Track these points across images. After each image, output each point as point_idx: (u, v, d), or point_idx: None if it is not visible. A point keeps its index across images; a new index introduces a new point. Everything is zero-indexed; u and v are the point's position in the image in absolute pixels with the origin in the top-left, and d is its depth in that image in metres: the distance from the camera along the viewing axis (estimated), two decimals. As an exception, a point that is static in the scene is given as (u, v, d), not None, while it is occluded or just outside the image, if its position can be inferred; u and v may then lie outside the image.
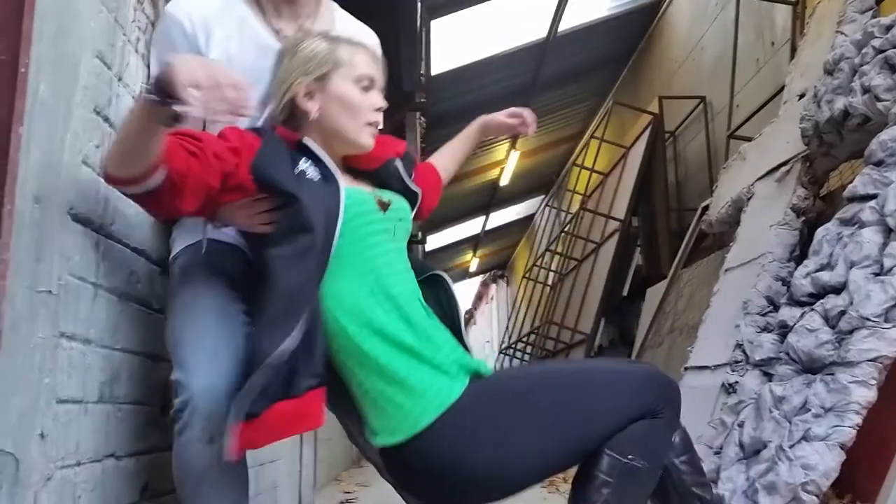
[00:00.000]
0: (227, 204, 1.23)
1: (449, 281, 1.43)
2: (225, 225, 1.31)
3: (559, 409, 1.22)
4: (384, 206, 1.33)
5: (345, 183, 1.28)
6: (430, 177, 1.59)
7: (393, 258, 1.31)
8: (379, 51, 1.61)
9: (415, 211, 1.45)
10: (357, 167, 1.39)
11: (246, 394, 1.13)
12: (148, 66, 1.46)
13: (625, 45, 8.11)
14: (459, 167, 1.74)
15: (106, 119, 1.25)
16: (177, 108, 0.98)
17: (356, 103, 1.31)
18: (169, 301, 1.37)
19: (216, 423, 1.17)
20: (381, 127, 1.36)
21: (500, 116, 1.67)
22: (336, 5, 1.60)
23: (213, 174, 1.17)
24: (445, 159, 1.69)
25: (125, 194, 1.15)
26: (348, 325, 1.22)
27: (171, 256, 1.42)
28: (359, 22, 1.64)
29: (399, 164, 1.42)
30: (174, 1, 1.43)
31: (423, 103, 5.52)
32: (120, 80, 1.31)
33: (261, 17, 1.45)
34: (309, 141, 1.29)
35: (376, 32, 1.65)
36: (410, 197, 1.43)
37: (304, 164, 1.26)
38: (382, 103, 1.35)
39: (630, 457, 1.20)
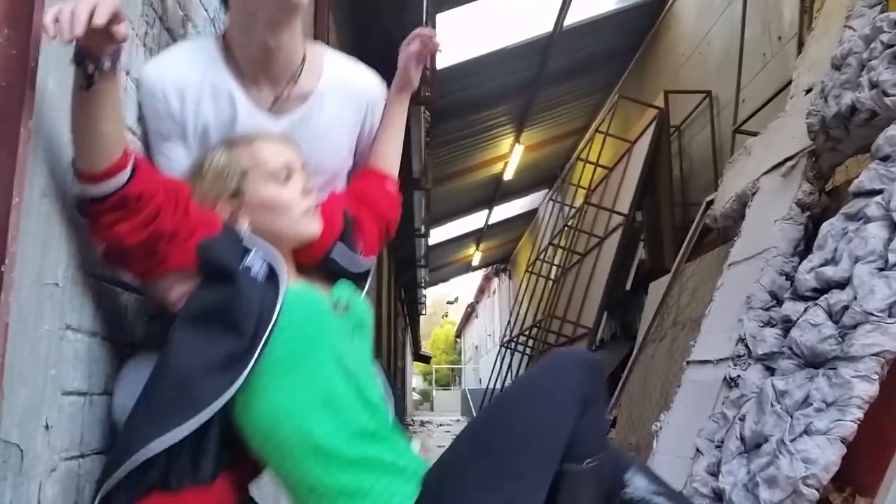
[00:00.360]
0: (168, 274, 1.17)
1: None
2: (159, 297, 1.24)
3: (520, 453, 1.10)
4: (342, 309, 1.25)
5: (295, 282, 1.21)
6: (376, 196, 1.49)
7: (349, 363, 1.19)
8: (377, 91, 1.54)
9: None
10: (304, 263, 1.32)
11: (107, 488, 1.05)
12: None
13: (631, 38, 8.09)
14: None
15: (112, 112, 1.25)
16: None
17: (281, 202, 1.24)
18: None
19: None
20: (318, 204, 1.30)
21: (403, 62, 1.53)
22: (325, 52, 1.52)
23: (172, 219, 1.12)
24: (386, 149, 1.54)
25: (86, 199, 1.08)
26: (296, 450, 1.12)
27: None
28: (352, 64, 1.55)
29: (340, 246, 1.34)
30: (153, 65, 1.39)
31: (428, 97, 5.51)
32: (128, 73, 1.31)
33: (241, 84, 1.41)
34: (254, 240, 1.22)
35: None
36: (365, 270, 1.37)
37: (252, 260, 1.18)
38: (309, 183, 1.29)
39: (587, 460, 1.15)
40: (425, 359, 22.77)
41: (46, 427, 1.01)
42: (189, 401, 1.07)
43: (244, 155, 1.25)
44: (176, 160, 1.38)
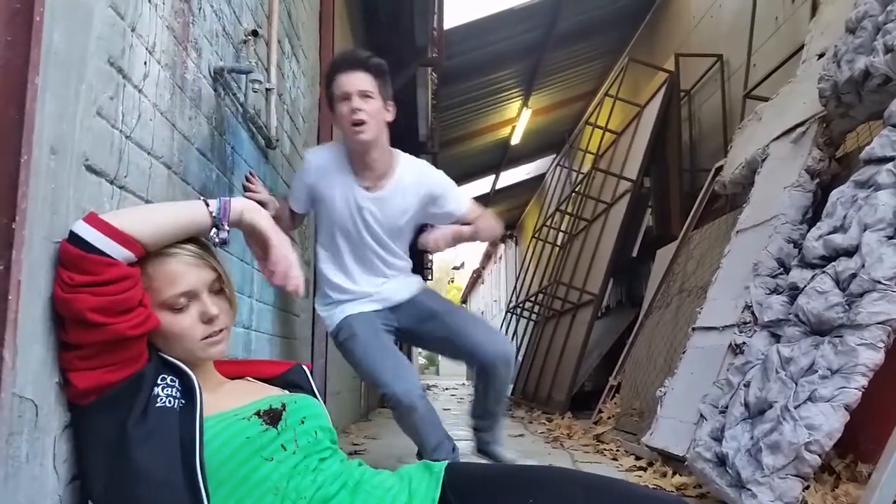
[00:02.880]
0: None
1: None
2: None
3: None
4: (271, 417, 1.12)
5: (211, 416, 1.08)
6: None
7: (296, 474, 1.09)
8: (433, 178, 2.42)
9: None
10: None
11: None
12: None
13: (642, 0, 7.96)
14: None
15: (119, 70, 1.24)
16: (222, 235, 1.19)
17: (175, 332, 1.13)
18: (349, 358, 2.38)
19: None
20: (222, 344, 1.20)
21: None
22: (399, 154, 2.40)
23: (133, 328, 1.03)
24: None
25: (72, 239, 1.02)
26: None
27: (331, 332, 2.45)
28: (417, 162, 2.46)
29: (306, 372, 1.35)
30: (313, 150, 2.48)
31: (435, 58, 5.44)
32: (133, 30, 1.30)
33: (354, 175, 2.34)
34: (166, 355, 1.13)
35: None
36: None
37: (162, 385, 1.06)
38: (212, 311, 1.15)
39: None
40: (430, 323, 22.84)
41: (59, 384, 1.02)
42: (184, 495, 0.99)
43: (144, 276, 1.11)
44: (296, 210, 2.43)
